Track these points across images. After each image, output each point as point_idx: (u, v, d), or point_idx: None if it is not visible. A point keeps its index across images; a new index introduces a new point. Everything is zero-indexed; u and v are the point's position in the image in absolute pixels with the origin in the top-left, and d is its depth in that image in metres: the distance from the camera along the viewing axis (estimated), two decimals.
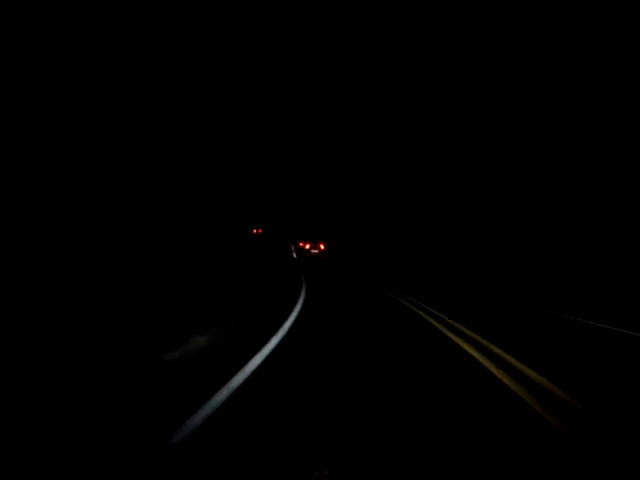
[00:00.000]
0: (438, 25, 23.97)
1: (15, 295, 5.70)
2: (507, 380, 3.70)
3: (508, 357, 4.47)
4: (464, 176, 24.48)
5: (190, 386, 3.32)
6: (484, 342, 5.20)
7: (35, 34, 6.47)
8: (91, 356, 3.96)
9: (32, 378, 3.28)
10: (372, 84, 33.56)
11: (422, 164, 29.59)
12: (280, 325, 6.07)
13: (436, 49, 24.54)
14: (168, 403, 2.93)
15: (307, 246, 41.92)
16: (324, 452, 2.37)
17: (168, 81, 11.52)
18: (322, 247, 42.22)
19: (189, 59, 12.88)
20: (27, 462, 2.12)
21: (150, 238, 10.21)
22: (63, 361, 3.76)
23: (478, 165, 23.03)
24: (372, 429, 2.61)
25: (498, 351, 4.73)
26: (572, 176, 16.91)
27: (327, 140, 45.87)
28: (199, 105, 14.33)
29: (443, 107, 25.15)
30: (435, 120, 26.46)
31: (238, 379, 3.50)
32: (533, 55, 18.51)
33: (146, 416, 2.72)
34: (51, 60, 6.86)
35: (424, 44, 25.19)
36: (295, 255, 40.52)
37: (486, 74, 20.97)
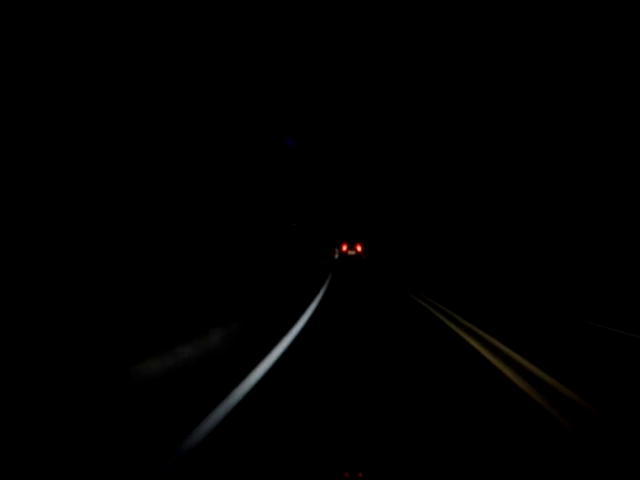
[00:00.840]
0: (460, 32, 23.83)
1: (13, 292, 5.61)
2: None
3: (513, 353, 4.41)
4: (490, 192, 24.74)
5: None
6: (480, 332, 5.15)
7: (34, 31, 6.49)
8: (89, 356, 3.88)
9: (30, 379, 3.20)
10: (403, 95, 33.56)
11: (457, 175, 29.68)
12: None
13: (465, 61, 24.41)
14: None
15: (344, 247, 46.28)
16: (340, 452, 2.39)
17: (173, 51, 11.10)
18: (359, 249, 46.19)
19: (197, 28, 12.37)
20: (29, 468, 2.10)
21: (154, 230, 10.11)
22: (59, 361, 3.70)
23: (501, 183, 23.16)
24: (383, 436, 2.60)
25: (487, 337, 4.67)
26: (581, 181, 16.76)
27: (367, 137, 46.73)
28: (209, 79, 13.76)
29: (481, 117, 24.96)
30: (472, 131, 26.29)
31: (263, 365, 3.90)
32: (535, 56, 18.34)
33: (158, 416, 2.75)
34: (51, 56, 6.87)
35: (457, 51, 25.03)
36: (337, 256, 44.36)
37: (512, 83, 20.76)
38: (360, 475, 2.20)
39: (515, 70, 20.19)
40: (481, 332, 6.15)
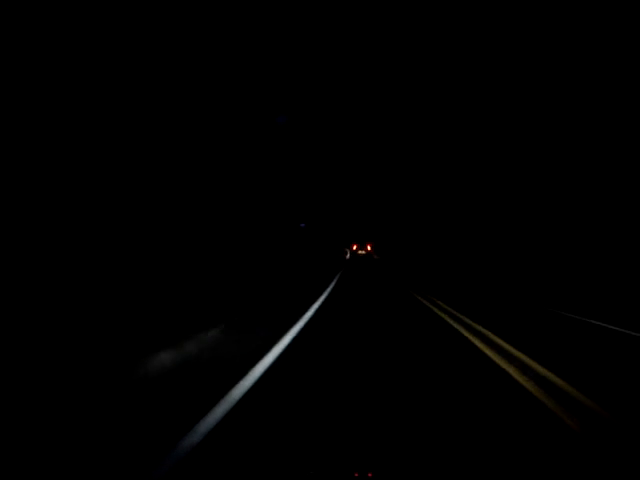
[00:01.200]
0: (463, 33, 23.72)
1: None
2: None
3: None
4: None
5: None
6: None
7: (34, 31, 6.47)
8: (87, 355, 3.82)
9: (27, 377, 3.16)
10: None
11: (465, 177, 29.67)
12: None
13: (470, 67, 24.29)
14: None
15: (355, 247, 47.70)
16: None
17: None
18: (369, 248, 47.71)
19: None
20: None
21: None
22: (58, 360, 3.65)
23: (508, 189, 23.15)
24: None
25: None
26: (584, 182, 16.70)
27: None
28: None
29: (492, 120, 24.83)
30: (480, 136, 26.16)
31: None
32: (535, 56, 18.24)
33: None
34: (51, 55, 6.83)
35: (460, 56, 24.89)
36: (348, 256, 45.29)
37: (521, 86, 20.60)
38: (370, 475, 2.15)
39: (515, 70, 20.09)
40: (484, 330, 6.11)
